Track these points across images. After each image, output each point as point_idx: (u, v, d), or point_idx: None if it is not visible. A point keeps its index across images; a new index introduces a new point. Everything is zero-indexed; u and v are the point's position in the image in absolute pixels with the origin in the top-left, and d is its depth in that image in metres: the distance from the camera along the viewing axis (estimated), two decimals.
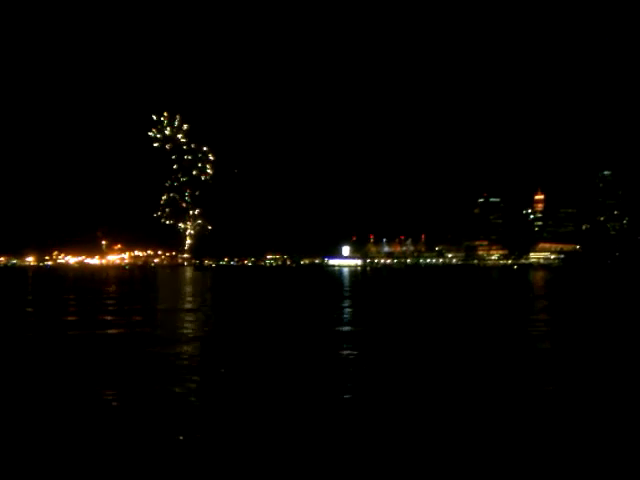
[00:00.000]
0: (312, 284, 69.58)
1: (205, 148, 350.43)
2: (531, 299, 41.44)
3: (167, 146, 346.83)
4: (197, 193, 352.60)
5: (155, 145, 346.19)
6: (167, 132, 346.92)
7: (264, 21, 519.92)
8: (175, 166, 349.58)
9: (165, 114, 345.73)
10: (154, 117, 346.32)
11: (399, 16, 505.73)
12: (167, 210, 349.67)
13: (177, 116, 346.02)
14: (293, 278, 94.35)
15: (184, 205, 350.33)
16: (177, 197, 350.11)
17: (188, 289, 55.15)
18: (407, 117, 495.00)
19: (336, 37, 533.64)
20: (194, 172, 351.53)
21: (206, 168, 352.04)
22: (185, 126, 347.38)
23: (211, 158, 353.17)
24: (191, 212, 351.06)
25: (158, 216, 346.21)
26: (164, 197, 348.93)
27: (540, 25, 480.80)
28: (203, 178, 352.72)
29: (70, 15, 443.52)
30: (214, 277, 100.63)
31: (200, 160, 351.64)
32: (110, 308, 29.81)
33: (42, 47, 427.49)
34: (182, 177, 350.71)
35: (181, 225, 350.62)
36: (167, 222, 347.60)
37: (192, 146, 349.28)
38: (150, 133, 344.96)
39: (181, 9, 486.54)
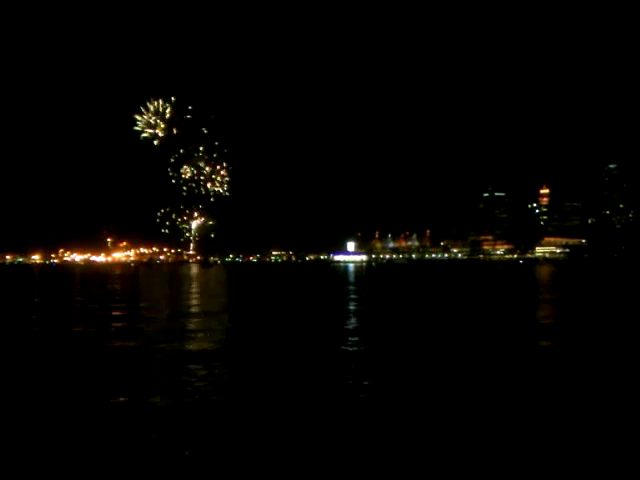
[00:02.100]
0: (320, 282, 69.69)
1: (220, 159, 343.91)
2: (537, 295, 41.51)
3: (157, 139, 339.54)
4: (202, 193, 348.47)
5: (145, 137, 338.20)
6: (162, 125, 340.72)
7: (265, 23, 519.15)
8: (177, 165, 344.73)
9: (160, 103, 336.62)
10: (151, 106, 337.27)
11: (401, 13, 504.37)
12: (168, 221, 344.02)
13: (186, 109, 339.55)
14: (301, 275, 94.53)
15: (188, 212, 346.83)
16: (181, 208, 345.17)
17: (200, 288, 55.32)
18: (411, 114, 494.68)
19: (338, 37, 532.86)
20: (208, 185, 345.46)
21: (216, 178, 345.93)
22: (204, 129, 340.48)
23: (224, 172, 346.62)
24: (196, 211, 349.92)
25: (161, 222, 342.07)
26: (164, 210, 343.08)
27: (545, 21, 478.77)
28: (217, 189, 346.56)
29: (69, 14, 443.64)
30: (222, 274, 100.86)
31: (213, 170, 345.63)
32: (119, 313, 29.92)
33: (46, 45, 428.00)
34: (188, 181, 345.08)
35: (185, 224, 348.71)
36: (167, 231, 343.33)
37: (201, 149, 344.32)
38: (141, 129, 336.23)
39: (185, 8, 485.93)
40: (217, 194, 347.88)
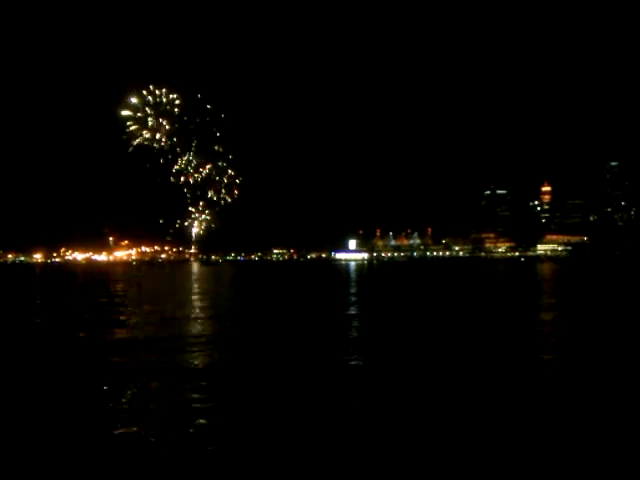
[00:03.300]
0: (322, 281, 69.66)
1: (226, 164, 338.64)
2: (537, 293, 41.38)
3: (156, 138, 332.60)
4: (206, 194, 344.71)
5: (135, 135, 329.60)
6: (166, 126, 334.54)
7: (266, 25, 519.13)
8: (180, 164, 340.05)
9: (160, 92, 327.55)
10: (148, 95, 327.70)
11: (401, 13, 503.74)
12: (172, 228, 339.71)
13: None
14: (303, 274, 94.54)
15: (190, 214, 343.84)
16: (183, 210, 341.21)
17: (200, 289, 55.25)
18: (412, 112, 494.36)
19: (337, 35, 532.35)
20: (210, 193, 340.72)
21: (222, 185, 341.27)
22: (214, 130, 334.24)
23: (229, 179, 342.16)
24: (197, 208, 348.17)
25: (164, 226, 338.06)
26: (166, 215, 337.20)
27: (545, 20, 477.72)
28: (222, 196, 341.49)
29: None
30: (223, 273, 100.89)
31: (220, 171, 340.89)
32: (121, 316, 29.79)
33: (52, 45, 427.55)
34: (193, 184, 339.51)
35: (187, 222, 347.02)
36: (169, 238, 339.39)
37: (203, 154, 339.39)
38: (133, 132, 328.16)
39: (184, 10, 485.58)
40: (223, 201, 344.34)
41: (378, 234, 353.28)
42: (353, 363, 14.35)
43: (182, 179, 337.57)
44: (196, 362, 14.72)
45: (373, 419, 9.68)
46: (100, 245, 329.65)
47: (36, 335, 20.44)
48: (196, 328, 21.77)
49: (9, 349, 17.32)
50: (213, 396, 11.18)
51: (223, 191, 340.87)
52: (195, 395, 11.16)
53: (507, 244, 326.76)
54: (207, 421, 9.48)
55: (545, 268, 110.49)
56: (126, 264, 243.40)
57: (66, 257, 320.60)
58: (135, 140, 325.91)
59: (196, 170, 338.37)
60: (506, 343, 17.39)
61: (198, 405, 10.48)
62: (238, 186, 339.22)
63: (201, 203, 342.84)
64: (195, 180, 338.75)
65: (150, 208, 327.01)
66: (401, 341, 18.00)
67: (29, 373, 13.61)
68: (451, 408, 10.24)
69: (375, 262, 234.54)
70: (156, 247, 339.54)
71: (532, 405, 10.38)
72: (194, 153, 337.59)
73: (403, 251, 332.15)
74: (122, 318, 25.14)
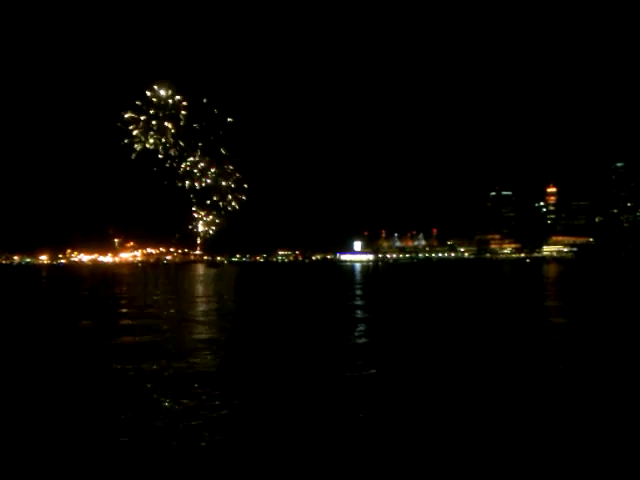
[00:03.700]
0: (328, 283, 69.51)
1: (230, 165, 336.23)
2: (544, 295, 41.22)
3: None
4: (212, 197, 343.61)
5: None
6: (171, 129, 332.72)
7: (272, 30, 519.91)
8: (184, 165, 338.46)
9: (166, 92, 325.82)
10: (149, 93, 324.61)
11: (405, 13, 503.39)
12: (178, 233, 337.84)
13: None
14: (311, 276, 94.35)
15: (195, 209, 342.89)
16: (189, 212, 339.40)
17: (206, 290, 55.24)
18: (418, 113, 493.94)
19: (341, 38, 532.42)
20: (213, 199, 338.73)
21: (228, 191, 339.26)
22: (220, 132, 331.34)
23: (238, 176, 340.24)
24: (203, 210, 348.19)
25: (169, 228, 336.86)
26: (172, 217, 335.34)
27: (550, 20, 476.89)
28: (229, 201, 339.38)
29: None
30: (229, 275, 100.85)
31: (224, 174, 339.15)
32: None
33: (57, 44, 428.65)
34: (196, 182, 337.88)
35: (192, 225, 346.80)
36: (175, 241, 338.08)
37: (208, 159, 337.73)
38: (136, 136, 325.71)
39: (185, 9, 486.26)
40: (228, 204, 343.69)
41: (383, 235, 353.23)
42: (361, 366, 14.31)
43: (188, 182, 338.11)
44: (201, 366, 14.72)
45: (378, 422, 9.68)
46: (106, 246, 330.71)
47: (41, 338, 20.43)
48: (205, 331, 21.73)
49: (12, 351, 17.34)
50: (215, 402, 11.22)
51: (229, 195, 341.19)
52: (198, 400, 11.16)
53: (512, 245, 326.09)
54: (211, 430, 9.46)
55: (551, 269, 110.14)
56: (132, 265, 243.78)
57: (72, 258, 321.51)
58: (139, 143, 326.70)
59: (202, 172, 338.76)
60: (512, 349, 17.32)
61: (205, 412, 10.47)
62: (244, 189, 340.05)
63: (207, 202, 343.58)
64: (201, 182, 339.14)
65: (156, 210, 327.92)
66: (407, 347, 17.92)
67: (32, 377, 13.63)
68: (454, 413, 10.24)
69: (381, 264, 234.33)
70: (161, 249, 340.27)
71: (537, 410, 10.37)
72: (200, 156, 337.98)
73: (408, 252, 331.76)
74: (128, 322, 25.16)
